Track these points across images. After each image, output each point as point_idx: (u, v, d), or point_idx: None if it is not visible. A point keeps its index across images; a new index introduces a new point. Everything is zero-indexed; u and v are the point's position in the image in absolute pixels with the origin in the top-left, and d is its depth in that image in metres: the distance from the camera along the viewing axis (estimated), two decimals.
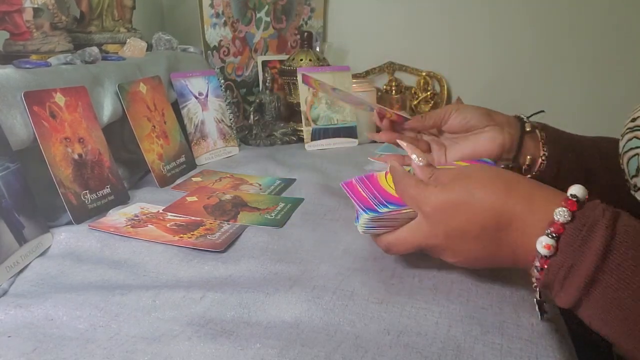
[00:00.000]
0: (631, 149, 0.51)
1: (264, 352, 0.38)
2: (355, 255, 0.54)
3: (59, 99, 0.64)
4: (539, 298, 0.40)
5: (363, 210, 0.47)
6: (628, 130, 0.52)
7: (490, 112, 0.61)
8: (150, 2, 1.23)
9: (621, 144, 0.53)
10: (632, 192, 0.52)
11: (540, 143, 0.60)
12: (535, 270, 0.37)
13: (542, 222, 0.36)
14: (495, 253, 0.40)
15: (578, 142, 0.62)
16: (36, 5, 0.70)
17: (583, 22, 1.21)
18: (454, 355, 0.38)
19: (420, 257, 0.53)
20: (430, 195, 0.42)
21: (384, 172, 0.53)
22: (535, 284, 0.38)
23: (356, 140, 1.04)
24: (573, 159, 0.60)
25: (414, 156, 0.47)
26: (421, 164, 0.46)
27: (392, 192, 0.49)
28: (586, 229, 0.35)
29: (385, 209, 0.46)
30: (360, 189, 0.51)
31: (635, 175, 0.50)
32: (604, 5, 1.19)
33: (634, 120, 0.52)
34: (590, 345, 0.50)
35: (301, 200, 0.71)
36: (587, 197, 0.37)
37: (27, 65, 0.63)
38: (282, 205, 0.69)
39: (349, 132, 1.04)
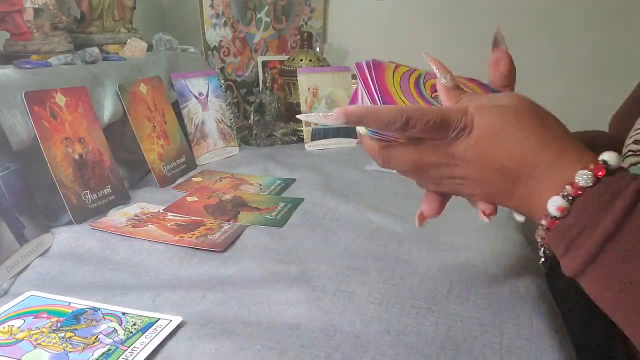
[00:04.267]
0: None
1: (264, 352, 0.38)
2: (355, 255, 0.54)
3: (60, 99, 0.64)
4: (543, 256, 0.37)
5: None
6: (631, 153, 0.50)
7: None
8: (150, 2, 1.23)
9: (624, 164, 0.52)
10: None
11: None
12: (540, 229, 0.35)
13: (562, 181, 0.33)
14: (507, 194, 0.37)
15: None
16: (37, 6, 0.70)
17: (584, 23, 1.21)
18: (454, 355, 0.38)
19: (420, 258, 0.53)
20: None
21: (394, 65, 0.46)
22: (541, 242, 0.36)
23: (356, 141, 1.04)
24: None
25: (440, 74, 0.41)
26: (449, 84, 0.41)
27: (396, 96, 0.42)
28: (608, 194, 0.32)
29: None
30: (370, 82, 0.43)
31: None
32: (604, 6, 1.19)
33: (637, 142, 0.50)
34: (590, 346, 0.50)
35: (301, 200, 0.71)
36: (620, 166, 0.33)
37: (28, 66, 0.63)
38: (282, 205, 0.69)
39: (349, 132, 1.04)
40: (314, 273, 0.50)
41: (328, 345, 0.39)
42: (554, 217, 0.33)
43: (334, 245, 0.57)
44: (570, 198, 0.33)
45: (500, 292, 0.46)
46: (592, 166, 0.33)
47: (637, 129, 0.52)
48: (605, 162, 0.33)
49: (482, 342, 0.39)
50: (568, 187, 0.33)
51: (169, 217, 0.65)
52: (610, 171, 0.33)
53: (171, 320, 0.41)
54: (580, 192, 0.32)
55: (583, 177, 0.32)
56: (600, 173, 0.32)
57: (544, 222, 0.34)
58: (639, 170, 0.49)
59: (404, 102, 0.42)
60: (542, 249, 0.36)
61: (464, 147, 0.36)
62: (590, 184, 0.32)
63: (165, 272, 0.52)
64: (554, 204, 0.33)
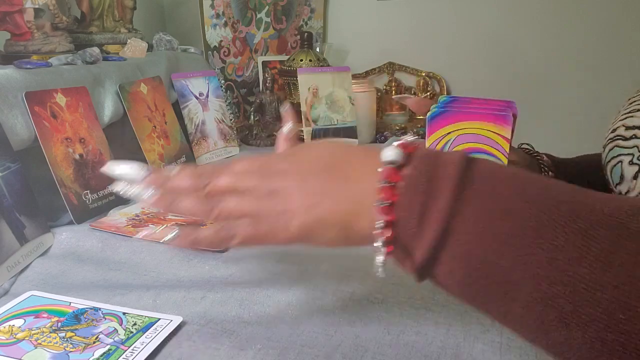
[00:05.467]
0: (613, 157, 0.52)
1: (264, 352, 0.38)
2: (355, 256, 0.54)
3: (60, 99, 0.64)
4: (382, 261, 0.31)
5: None
6: (609, 141, 0.52)
7: (512, 156, 0.55)
8: (151, 2, 1.23)
9: (603, 155, 0.54)
10: None
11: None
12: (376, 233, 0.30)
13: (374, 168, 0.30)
14: (336, 192, 0.32)
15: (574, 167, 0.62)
16: (37, 6, 0.70)
17: (584, 23, 1.22)
18: (454, 354, 0.38)
19: None
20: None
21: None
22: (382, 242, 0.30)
23: (356, 141, 1.04)
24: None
25: (285, 124, 0.41)
26: (289, 134, 0.41)
27: None
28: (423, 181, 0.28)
29: None
30: None
31: (619, 183, 0.51)
32: (605, 6, 1.19)
33: (613, 131, 0.53)
34: None
35: None
36: (411, 149, 0.30)
37: (28, 66, 0.63)
38: None
39: (349, 132, 1.04)
40: (314, 273, 0.50)
41: (328, 345, 0.39)
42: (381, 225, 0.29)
43: None
44: (391, 183, 0.29)
45: None
46: (380, 177, 0.30)
47: (615, 120, 0.53)
48: (390, 162, 0.30)
49: (482, 341, 0.39)
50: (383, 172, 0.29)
51: (169, 217, 0.65)
52: (400, 167, 0.30)
53: (171, 320, 0.41)
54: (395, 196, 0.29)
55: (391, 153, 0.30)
56: (396, 178, 0.29)
57: (380, 221, 0.29)
58: (616, 152, 0.50)
59: None
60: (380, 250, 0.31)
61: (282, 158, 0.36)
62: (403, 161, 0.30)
63: (166, 272, 0.52)
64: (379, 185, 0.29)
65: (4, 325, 0.41)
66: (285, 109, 0.45)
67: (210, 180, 0.35)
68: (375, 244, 0.30)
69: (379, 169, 0.30)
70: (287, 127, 0.43)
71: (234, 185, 0.35)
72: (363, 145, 0.31)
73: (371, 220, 0.30)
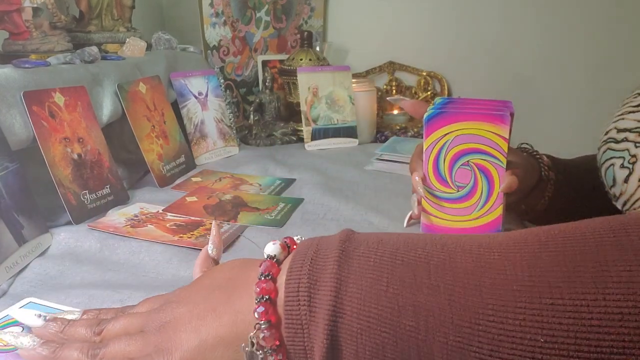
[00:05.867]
0: (607, 160, 0.52)
1: None
2: None
3: (59, 98, 0.63)
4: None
5: None
6: (603, 143, 0.53)
7: (511, 156, 0.55)
8: (149, 1, 1.22)
9: (598, 157, 0.54)
10: (614, 202, 0.53)
11: (548, 184, 0.59)
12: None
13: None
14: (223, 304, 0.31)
15: (574, 169, 0.62)
16: (35, 5, 0.70)
17: (584, 23, 1.21)
18: None
19: None
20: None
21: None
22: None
23: (356, 140, 1.04)
24: (574, 193, 0.60)
25: (210, 245, 0.41)
26: (211, 255, 0.41)
27: None
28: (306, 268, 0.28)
29: None
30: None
31: (613, 185, 0.51)
32: (604, 6, 1.19)
33: (606, 133, 0.53)
34: None
35: (301, 200, 0.71)
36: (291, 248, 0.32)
37: (27, 65, 0.63)
38: (282, 205, 0.69)
39: (349, 132, 1.04)
40: None
41: None
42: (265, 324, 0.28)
43: None
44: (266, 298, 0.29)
45: None
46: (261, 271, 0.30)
47: (609, 123, 0.53)
48: (272, 257, 0.31)
49: None
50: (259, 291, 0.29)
51: (169, 217, 0.64)
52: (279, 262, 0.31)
53: None
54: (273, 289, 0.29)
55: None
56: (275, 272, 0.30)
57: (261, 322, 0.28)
58: (609, 155, 0.51)
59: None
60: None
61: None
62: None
63: (165, 272, 0.52)
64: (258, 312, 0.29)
65: (2, 331, 0.40)
66: (212, 233, 0.42)
67: (106, 325, 0.34)
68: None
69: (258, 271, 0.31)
70: (205, 249, 0.42)
71: (126, 328, 0.33)
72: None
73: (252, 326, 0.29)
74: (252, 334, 0.29)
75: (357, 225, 0.62)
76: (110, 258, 0.55)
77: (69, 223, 0.60)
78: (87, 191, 0.64)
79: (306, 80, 1.03)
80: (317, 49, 1.23)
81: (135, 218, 0.64)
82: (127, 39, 0.87)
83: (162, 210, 0.66)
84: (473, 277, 0.26)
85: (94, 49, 0.75)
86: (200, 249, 0.55)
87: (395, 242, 0.29)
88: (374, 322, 0.26)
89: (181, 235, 0.59)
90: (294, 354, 0.28)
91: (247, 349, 0.29)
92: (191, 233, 0.59)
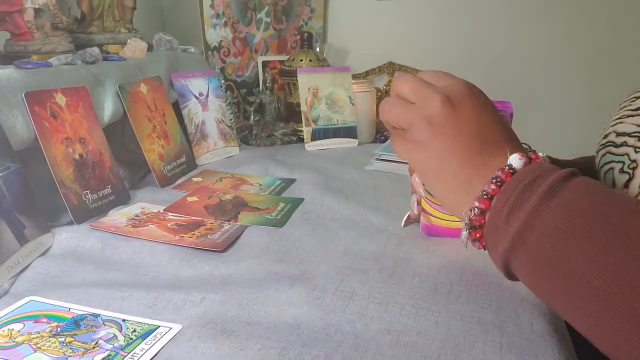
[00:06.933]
0: (606, 163, 0.52)
1: (264, 352, 0.38)
2: (355, 255, 0.54)
3: (60, 99, 0.64)
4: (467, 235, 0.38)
5: None
6: (601, 147, 0.53)
7: None
8: (150, 2, 1.23)
9: (597, 160, 0.54)
10: None
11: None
12: (471, 215, 0.37)
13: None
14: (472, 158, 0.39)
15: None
16: (37, 6, 0.70)
17: (583, 23, 1.22)
18: (454, 354, 0.38)
19: (420, 258, 0.53)
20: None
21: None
22: (471, 220, 0.37)
23: (356, 141, 1.05)
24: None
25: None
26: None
27: None
28: (522, 185, 0.34)
29: None
30: None
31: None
32: (604, 7, 1.19)
33: (605, 136, 0.53)
34: (591, 345, 0.50)
35: (301, 200, 0.71)
36: (531, 160, 0.38)
37: (28, 66, 0.63)
38: (282, 205, 0.69)
39: (349, 132, 1.05)
40: (314, 273, 0.50)
41: (328, 345, 0.39)
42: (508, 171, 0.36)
43: (334, 245, 0.57)
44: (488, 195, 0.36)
45: (500, 292, 0.46)
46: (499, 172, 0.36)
47: (606, 126, 0.53)
48: (510, 167, 0.36)
49: (483, 341, 0.39)
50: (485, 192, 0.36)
51: (170, 217, 0.65)
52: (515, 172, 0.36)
53: (171, 328, 0.41)
54: (496, 191, 0.35)
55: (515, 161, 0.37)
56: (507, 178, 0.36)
57: (475, 207, 0.36)
58: (608, 159, 0.51)
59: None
60: (467, 231, 0.38)
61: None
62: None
63: (166, 272, 0.52)
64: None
65: (3, 329, 0.41)
66: None
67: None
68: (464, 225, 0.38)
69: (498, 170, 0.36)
70: None
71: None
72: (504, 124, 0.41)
73: (471, 202, 0.37)
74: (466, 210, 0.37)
75: (357, 225, 0.62)
76: (111, 258, 0.55)
77: (70, 223, 0.61)
78: (88, 191, 0.64)
79: (306, 81, 1.04)
80: (317, 49, 1.23)
81: (137, 218, 0.64)
82: (128, 40, 0.87)
83: (163, 210, 0.67)
84: None
85: (96, 49, 0.75)
86: (201, 249, 0.56)
87: (602, 204, 0.32)
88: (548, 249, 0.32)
89: (182, 235, 0.59)
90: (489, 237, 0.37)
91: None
92: (192, 233, 0.60)
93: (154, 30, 1.03)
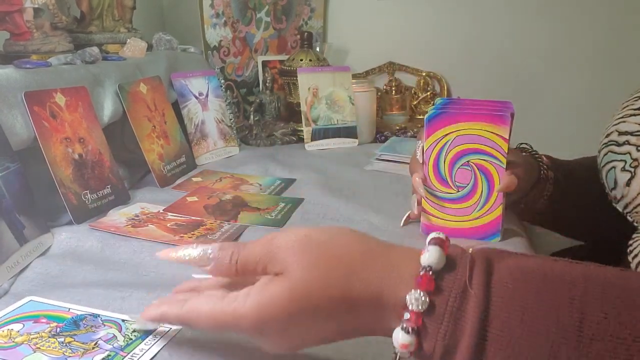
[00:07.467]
0: (607, 162, 0.52)
1: (264, 352, 0.38)
2: None
3: (60, 99, 0.64)
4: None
5: None
6: (603, 146, 0.53)
7: (511, 156, 0.55)
8: (150, 2, 1.23)
9: (599, 159, 0.54)
10: (614, 204, 0.53)
11: (547, 184, 0.59)
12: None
13: (397, 309, 0.30)
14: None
15: (573, 171, 0.63)
16: (36, 6, 0.70)
17: (583, 23, 1.21)
18: None
19: None
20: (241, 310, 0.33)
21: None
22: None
23: (356, 141, 1.04)
24: (573, 194, 0.61)
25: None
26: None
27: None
28: (448, 315, 0.28)
29: None
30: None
31: (614, 188, 0.51)
32: (604, 7, 1.19)
33: (607, 135, 0.53)
34: None
35: (301, 200, 0.71)
36: (446, 250, 0.30)
37: (28, 66, 0.63)
38: (282, 205, 0.69)
39: (349, 132, 1.04)
40: None
41: (328, 345, 0.39)
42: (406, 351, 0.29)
43: None
44: (413, 329, 0.29)
45: None
46: (415, 283, 0.29)
47: (608, 125, 0.53)
48: (428, 267, 0.29)
49: None
50: (407, 319, 0.29)
51: (169, 217, 0.65)
52: (439, 274, 0.29)
53: (171, 328, 0.41)
54: (420, 320, 0.29)
55: (414, 302, 0.29)
56: (430, 287, 0.29)
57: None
58: (610, 158, 0.51)
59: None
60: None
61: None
62: (425, 307, 0.29)
63: (166, 272, 0.52)
64: (397, 341, 0.29)
65: (2, 329, 0.41)
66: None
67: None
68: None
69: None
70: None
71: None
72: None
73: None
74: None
75: (357, 225, 0.62)
76: (111, 258, 0.55)
77: (70, 223, 0.61)
78: (88, 191, 0.64)
79: (306, 81, 1.03)
80: (317, 49, 1.23)
81: (136, 218, 0.64)
82: (128, 40, 0.87)
83: (163, 210, 0.67)
84: None
85: (95, 49, 0.75)
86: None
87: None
88: None
89: (182, 235, 0.59)
90: None
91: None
92: (192, 233, 0.60)
93: (153, 30, 1.02)
